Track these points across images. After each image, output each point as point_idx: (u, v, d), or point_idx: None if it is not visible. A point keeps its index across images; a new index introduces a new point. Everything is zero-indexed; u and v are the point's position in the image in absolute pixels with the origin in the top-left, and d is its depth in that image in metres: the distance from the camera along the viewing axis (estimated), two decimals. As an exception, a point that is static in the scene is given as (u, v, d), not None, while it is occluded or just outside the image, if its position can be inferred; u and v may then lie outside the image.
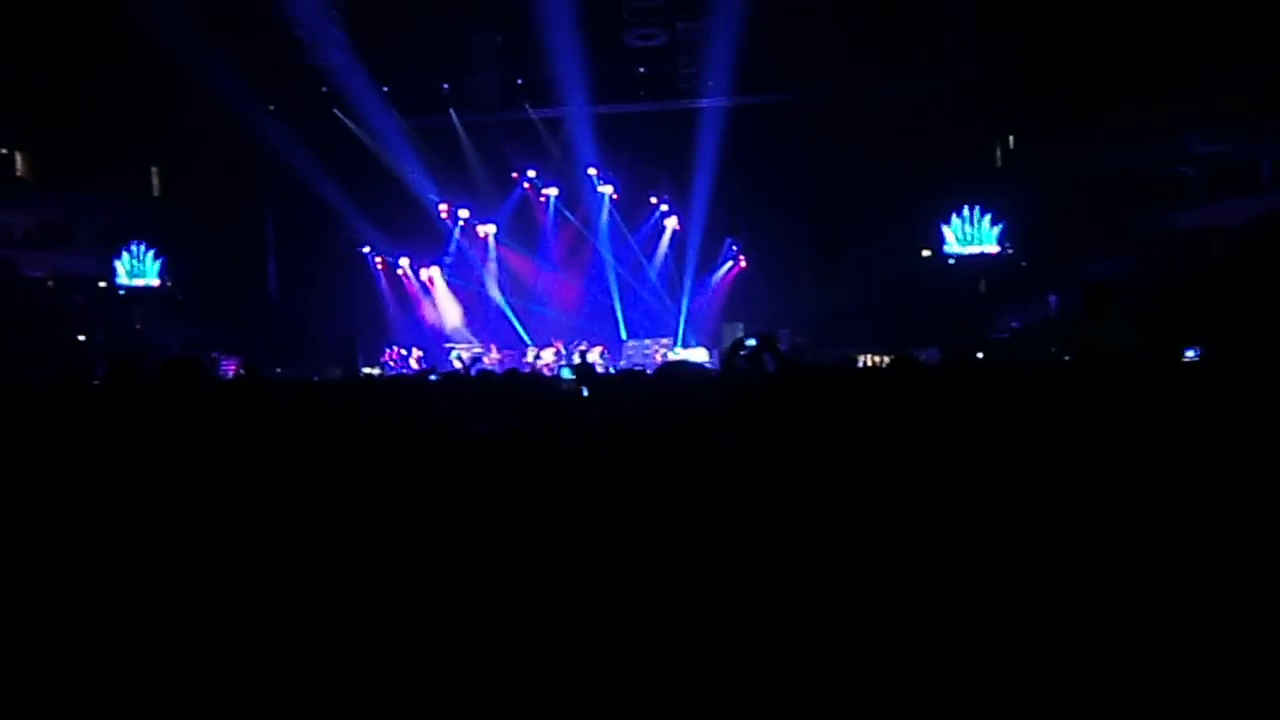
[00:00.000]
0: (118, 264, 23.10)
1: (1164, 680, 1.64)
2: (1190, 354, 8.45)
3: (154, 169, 24.00)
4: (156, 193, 24.26)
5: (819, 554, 1.76)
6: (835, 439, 1.91)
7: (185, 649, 1.79)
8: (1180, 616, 1.70)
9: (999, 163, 22.54)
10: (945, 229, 21.39)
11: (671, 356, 20.13)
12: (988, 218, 21.19)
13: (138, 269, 23.23)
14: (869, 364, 14.58)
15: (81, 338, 20.33)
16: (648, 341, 21.48)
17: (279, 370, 17.40)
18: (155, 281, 23.29)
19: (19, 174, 22.98)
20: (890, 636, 1.67)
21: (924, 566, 1.75)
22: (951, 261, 21.31)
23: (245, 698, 1.75)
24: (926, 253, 21.68)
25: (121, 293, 23.08)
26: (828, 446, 1.81)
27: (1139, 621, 1.70)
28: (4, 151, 22.57)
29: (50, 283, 22.94)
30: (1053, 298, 19.00)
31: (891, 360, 4.07)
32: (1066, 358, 7.64)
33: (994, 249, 21.26)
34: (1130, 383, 2.44)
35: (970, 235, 21.35)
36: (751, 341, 3.65)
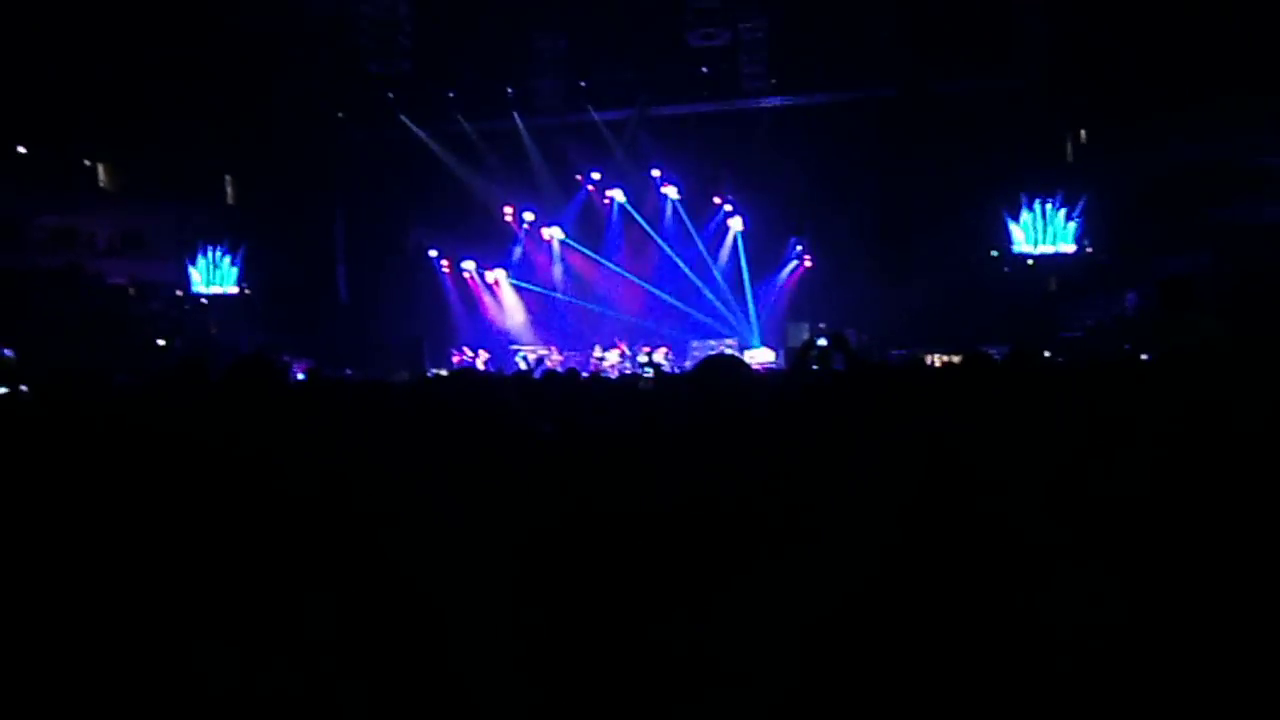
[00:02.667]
0: (192, 270, 23.67)
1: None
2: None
3: (228, 177, 24.59)
4: (230, 200, 24.84)
5: (919, 552, 1.70)
6: (918, 436, 1.85)
7: (230, 644, 1.80)
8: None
9: (1070, 157, 21.98)
10: (1013, 226, 20.91)
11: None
12: (1062, 213, 20.61)
13: (214, 275, 23.79)
14: (937, 363, 14.32)
15: (161, 342, 20.89)
16: (712, 342, 21.41)
17: (349, 372, 17.70)
18: (234, 289, 23.83)
19: (102, 184, 23.71)
20: (980, 638, 1.61)
21: (1024, 565, 1.69)
22: (1030, 263, 20.79)
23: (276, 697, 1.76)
24: (994, 253, 21.23)
25: (204, 301, 23.62)
26: (915, 444, 1.75)
27: (1232, 619, 1.62)
28: (88, 163, 23.29)
29: (131, 290, 23.61)
30: (1130, 295, 18.45)
31: (964, 358, 3.97)
32: (1143, 356, 7.40)
33: (1070, 248, 20.66)
34: (1219, 376, 2.33)
35: (1043, 233, 20.80)
36: (822, 342, 3.61)
